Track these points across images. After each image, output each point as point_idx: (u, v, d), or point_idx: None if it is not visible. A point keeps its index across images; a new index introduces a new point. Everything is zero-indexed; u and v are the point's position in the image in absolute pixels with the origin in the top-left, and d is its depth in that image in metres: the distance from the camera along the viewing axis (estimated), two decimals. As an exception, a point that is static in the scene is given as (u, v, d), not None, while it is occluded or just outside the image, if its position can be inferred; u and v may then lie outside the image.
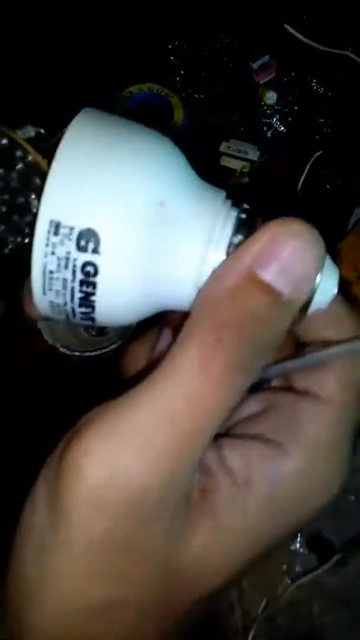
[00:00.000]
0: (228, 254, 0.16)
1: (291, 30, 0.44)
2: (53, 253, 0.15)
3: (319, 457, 0.17)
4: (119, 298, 0.16)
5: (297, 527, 0.19)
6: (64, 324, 0.46)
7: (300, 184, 0.43)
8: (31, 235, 0.17)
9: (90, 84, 0.52)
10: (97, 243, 0.15)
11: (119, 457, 0.14)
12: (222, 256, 0.16)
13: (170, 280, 0.16)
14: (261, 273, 0.14)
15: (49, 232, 0.15)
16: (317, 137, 0.48)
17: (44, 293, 0.16)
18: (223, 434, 0.19)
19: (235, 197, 0.18)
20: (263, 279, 0.14)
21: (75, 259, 0.15)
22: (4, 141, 0.20)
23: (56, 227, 0.15)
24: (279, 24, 0.45)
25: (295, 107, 0.48)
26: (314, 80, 0.46)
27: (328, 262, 0.16)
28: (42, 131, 0.22)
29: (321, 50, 0.45)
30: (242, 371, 0.15)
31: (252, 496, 0.17)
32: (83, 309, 0.16)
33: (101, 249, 0.15)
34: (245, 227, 0.16)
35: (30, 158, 0.21)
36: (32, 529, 0.16)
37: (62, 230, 0.15)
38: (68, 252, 0.15)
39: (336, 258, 0.40)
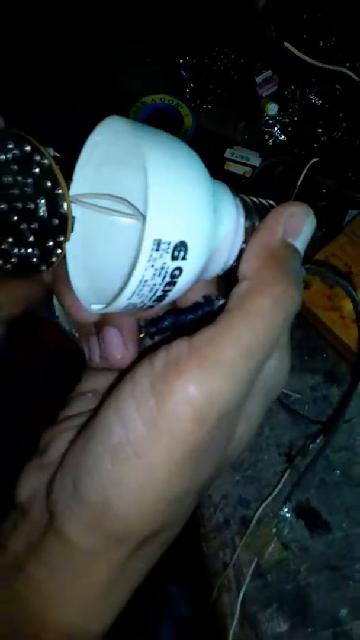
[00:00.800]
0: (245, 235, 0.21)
1: (291, 48, 0.48)
2: (152, 266, 0.18)
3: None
4: (186, 286, 0.20)
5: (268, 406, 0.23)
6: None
7: (297, 187, 0.46)
8: (38, 245, 0.21)
9: (106, 92, 0.55)
10: (185, 251, 0.19)
11: (214, 384, 0.18)
12: (240, 239, 0.21)
13: (214, 262, 0.21)
14: (292, 241, 0.21)
15: (152, 249, 0.18)
16: (314, 145, 0.51)
17: (129, 299, 0.19)
18: None
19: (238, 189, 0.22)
20: (293, 244, 0.21)
21: (168, 267, 0.19)
22: (27, 147, 0.20)
23: (158, 244, 0.18)
24: (281, 42, 0.49)
25: (295, 118, 0.51)
26: (312, 94, 0.50)
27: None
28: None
29: (319, 66, 0.49)
30: (297, 304, 0.20)
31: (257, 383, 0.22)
32: (152, 303, 0.20)
33: (188, 255, 0.19)
34: (251, 213, 0.21)
35: (46, 162, 0.20)
36: (117, 437, 0.19)
37: (162, 246, 0.18)
38: (164, 263, 0.18)
39: (329, 255, 0.43)
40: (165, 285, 0.19)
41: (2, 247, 0.21)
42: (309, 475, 0.39)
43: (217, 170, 0.50)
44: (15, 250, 0.21)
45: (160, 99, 0.53)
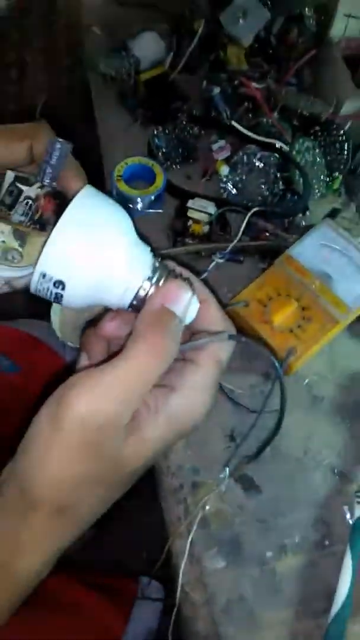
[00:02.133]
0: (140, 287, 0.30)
1: (238, 127, 0.62)
2: (41, 284, 0.29)
3: (193, 393, 0.31)
4: (72, 303, 0.30)
5: (183, 436, 0.31)
6: (71, 328, 0.61)
7: (241, 230, 0.59)
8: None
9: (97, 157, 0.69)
10: (64, 287, 0.28)
11: (101, 401, 0.26)
12: (136, 285, 0.30)
13: (107, 294, 0.30)
14: (171, 307, 0.29)
15: (40, 276, 0.28)
16: (258, 197, 0.63)
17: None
18: None
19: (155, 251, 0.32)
20: (172, 309, 0.29)
21: (52, 291, 0.29)
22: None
23: (44, 275, 0.28)
24: (231, 122, 0.63)
25: (243, 177, 0.63)
26: (255, 159, 0.62)
27: (194, 299, 0.31)
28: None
29: (259, 139, 0.63)
30: (167, 355, 0.28)
31: (158, 417, 0.29)
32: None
33: (65, 289, 0.29)
34: (156, 272, 0.31)
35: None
36: (35, 436, 0.28)
37: (46, 277, 0.28)
38: (49, 287, 0.29)
39: (264, 283, 0.56)
40: (53, 300, 0.30)
41: None
42: (245, 450, 0.50)
43: (180, 215, 0.63)
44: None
45: (138, 160, 0.65)
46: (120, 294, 0.30)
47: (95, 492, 0.29)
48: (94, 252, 0.28)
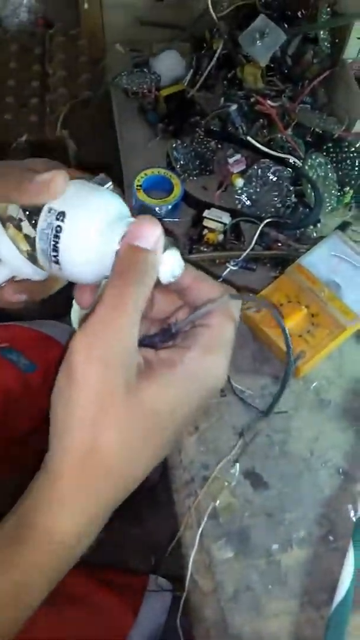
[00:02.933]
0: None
1: (253, 142, 0.66)
2: (46, 220, 0.31)
3: (208, 351, 0.31)
4: (69, 241, 0.31)
5: (205, 396, 0.31)
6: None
7: (254, 239, 0.62)
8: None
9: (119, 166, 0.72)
10: (64, 217, 0.31)
11: (102, 351, 0.28)
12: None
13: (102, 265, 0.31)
14: (134, 242, 0.29)
15: (46, 210, 0.31)
16: (272, 210, 0.66)
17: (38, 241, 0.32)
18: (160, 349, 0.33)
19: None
20: (136, 244, 0.29)
21: (53, 223, 0.31)
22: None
23: (50, 209, 0.31)
24: (246, 137, 0.67)
25: (257, 189, 0.67)
26: (269, 172, 0.66)
27: (173, 250, 0.31)
28: None
29: (272, 154, 0.66)
30: (133, 305, 0.28)
31: (175, 371, 0.30)
32: (52, 252, 0.31)
33: (65, 219, 0.31)
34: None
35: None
36: (58, 393, 0.30)
37: (52, 211, 0.31)
38: (52, 220, 0.31)
39: (274, 290, 0.58)
40: (54, 236, 0.31)
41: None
42: (255, 449, 0.52)
43: (197, 224, 0.66)
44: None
45: (157, 171, 0.68)
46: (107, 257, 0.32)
47: (123, 436, 0.29)
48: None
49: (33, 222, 0.33)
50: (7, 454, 0.74)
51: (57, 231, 0.31)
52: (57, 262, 0.32)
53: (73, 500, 0.29)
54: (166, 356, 0.31)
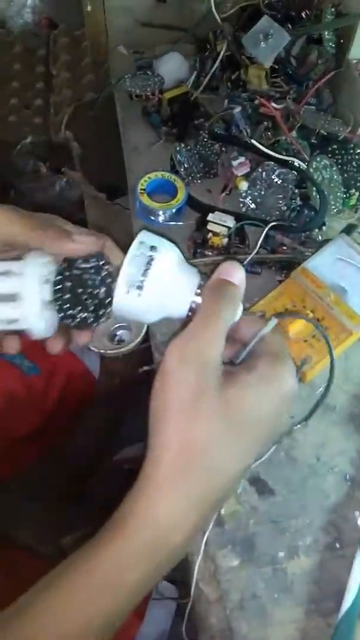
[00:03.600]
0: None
1: (257, 144, 0.65)
2: (137, 249, 0.34)
3: (276, 359, 0.33)
4: (162, 271, 0.34)
5: (279, 401, 0.32)
6: (97, 334, 0.64)
7: (259, 243, 0.62)
8: (95, 313, 0.36)
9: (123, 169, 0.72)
10: (157, 250, 0.34)
11: (195, 355, 0.31)
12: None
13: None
14: (225, 277, 0.34)
15: (139, 243, 0.35)
16: (277, 213, 0.66)
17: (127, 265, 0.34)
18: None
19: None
20: (228, 279, 0.34)
21: (145, 253, 0.34)
22: (102, 262, 0.37)
23: (141, 242, 0.35)
24: (250, 139, 0.66)
25: (262, 192, 0.66)
26: (274, 175, 0.66)
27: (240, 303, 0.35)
28: None
29: (276, 156, 0.65)
30: (223, 322, 0.32)
31: (252, 373, 0.32)
32: (141, 276, 0.34)
33: (157, 252, 0.34)
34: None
35: (110, 269, 0.37)
36: (155, 396, 0.32)
37: (144, 242, 0.35)
38: (143, 252, 0.34)
39: (280, 294, 0.58)
40: (147, 262, 0.34)
41: (72, 312, 0.37)
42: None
43: (201, 228, 0.65)
44: (79, 315, 0.37)
45: (161, 175, 0.68)
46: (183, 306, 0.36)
47: (215, 431, 0.31)
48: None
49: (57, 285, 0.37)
50: (9, 454, 0.74)
51: (149, 260, 0.34)
52: (140, 288, 0.34)
53: (169, 488, 0.31)
54: (242, 367, 0.34)
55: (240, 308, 0.35)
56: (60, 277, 0.37)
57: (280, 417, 0.34)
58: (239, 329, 0.36)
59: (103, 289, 0.37)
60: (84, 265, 0.37)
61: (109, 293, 0.37)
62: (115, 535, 0.31)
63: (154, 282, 0.34)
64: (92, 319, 0.37)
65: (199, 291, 0.35)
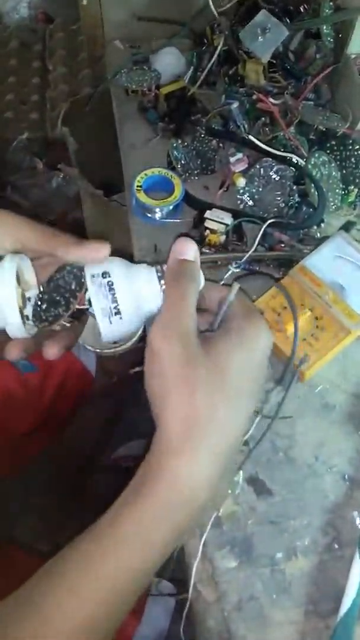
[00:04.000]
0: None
1: (255, 140, 0.64)
2: (92, 284, 0.36)
3: (246, 319, 0.36)
4: (128, 291, 0.37)
5: (259, 356, 0.35)
6: (91, 333, 0.63)
7: (257, 240, 0.61)
8: (65, 305, 0.37)
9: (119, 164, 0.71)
10: (109, 275, 0.36)
11: (174, 328, 0.33)
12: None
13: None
14: (180, 257, 0.36)
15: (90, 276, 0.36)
16: (275, 210, 0.66)
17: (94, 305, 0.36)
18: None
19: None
20: (183, 258, 0.36)
21: (103, 282, 0.36)
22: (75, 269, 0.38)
23: (92, 275, 0.36)
24: (248, 135, 0.65)
25: (259, 189, 0.66)
26: (271, 172, 0.65)
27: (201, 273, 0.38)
28: None
29: (274, 153, 0.65)
30: (189, 296, 0.35)
31: (230, 335, 0.35)
32: (112, 304, 0.36)
33: (112, 277, 0.36)
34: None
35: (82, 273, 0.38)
36: (149, 375, 0.34)
37: (95, 275, 0.36)
38: (100, 282, 0.36)
39: (278, 293, 0.57)
40: (109, 290, 0.36)
41: (46, 315, 0.38)
42: (259, 454, 0.52)
43: (198, 225, 0.65)
44: (52, 312, 0.38)
45: (158, 171, 0.67)
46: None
47: (212, 392, 0.33)
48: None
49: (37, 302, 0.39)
50: (6, 452, 0.74)
51: (110, 285, 0.36)
52: (118, 313, 0.36)
53: (187, 451, 0.32)
54: (218, 332, 0.37)
55: (202, 279, 0.38)
56: (40, 295, 0.39)
57: (263, 369, 0.37)
58: (205, 299, 0.39)
59: (74, 282, 0.38)
60: (58, 275, 0.39)
61: (79, 281, 0.38)
62: (137, 499, 0.32)
63: (126, 301, 0.36)
64: (62, 310, 0.38)
65: (160, 275, 0.37)
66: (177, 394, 0.33)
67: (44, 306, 0.38)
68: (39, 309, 0.38)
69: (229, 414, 0.33)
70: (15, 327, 0.38)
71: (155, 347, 0.34)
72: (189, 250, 0.37)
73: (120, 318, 0.36)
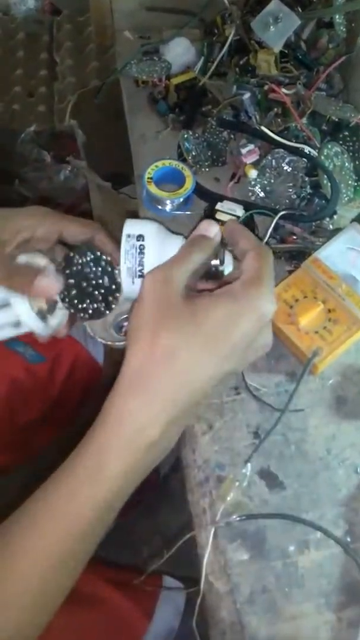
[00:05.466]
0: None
1: (267, 131, 0.64)
2: (127, 242, 0.39)
3: (250, 283, 0.37)
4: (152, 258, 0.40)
5: (252, 320, 0.36)
6: (101, 325, 0.63)
7: (269, 232, 0.60)
8: (104, 302, 0.41)
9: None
10: (143, 239, 0.39)
11: (161, 276, 0.36)
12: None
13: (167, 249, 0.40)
14: (204, 233, 0.40)
15: (126, 237, 0.39)
16: (287, 201, 0.65)
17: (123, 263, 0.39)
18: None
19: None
20: (206, 234, 0.40)
21: (136, 244, 0.39)
22: (98, 253, 0.43)
23: (128, 235, 0.39)
24: (260, 126, 0.65)
25: (271, 180, 0.65)
26: (284, 163, 0.64)
27: (229, 258, 0.41)
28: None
29: (287, 144, 0.64)
30: (190, 258, 0.38)
31: (221, 294, 0.37)
32: (138, 266, 0.40)
33: (145, 241, 0.39)
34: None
35: (108, 258, 0.43)
36: (131, 316, 0.36)
37: (130, 235, 0.39)
38: (133, 244, 0.39)
39: (291, 284, 0.57)
40: (139, 253, 0.39)
41: (83, 306, 0.42)
42: (270, 447, 0.51)
43: (209, 217, 0.64)
44: (91, 306, 0.42)
45: (169, 163, 0.66)
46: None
47: (182, 336, 0.35)
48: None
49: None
50: (14, 443, 0.75)
51: (141, 249, 0.39)
52: (142, 276, 0.39)
53: (140, 387, 0.35)
54: (216, 291, 0.38)
55: (230, 260, 0.41)
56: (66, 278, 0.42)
57: (257, 337, 0.37)
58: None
59: (106, 278, 0.41)
60: (82, 260, 0.41)
61: (113, 280, 0.41)
62: (94, 434, 0.35)
63: (152, 267, 0.38)
64: (103, 308, 0.42)
65: None
66: (143, 335, 0.35)
67: (72, 292, 0.41)
68: (71, 306, 0.42)
69: (190, 366, 0.34)
70: (38, 328, 0.42)
71: (141, 293, 0.36)
72: (212, 229, 0.40)
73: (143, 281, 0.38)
